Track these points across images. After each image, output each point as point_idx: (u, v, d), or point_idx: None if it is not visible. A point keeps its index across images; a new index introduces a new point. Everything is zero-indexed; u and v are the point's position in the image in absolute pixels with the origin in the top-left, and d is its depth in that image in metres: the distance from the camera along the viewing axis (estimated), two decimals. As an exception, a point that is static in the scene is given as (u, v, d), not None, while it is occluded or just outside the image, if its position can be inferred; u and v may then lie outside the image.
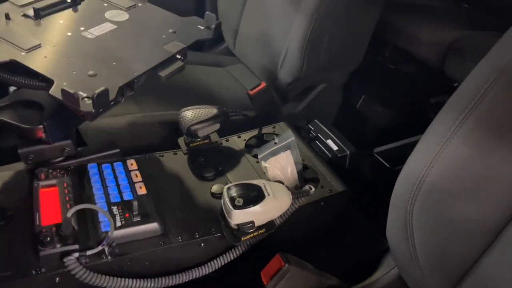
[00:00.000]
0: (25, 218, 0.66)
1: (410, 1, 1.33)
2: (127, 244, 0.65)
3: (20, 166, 0.76)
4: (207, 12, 0.84)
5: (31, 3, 0.76)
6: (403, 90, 1.33)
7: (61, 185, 0.72)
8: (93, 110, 0.59)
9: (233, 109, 0.91)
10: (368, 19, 1.06)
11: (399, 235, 0.61)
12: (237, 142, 0.91)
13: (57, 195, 0.70)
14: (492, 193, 0.50)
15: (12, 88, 0.84)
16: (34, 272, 0.59)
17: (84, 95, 0.60)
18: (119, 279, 0.63)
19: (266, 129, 0.94)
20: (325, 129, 0.96)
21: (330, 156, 0.92)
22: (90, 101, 0.59)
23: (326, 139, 0.94)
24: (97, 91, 0.58)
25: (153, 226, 0.67)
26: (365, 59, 1.18)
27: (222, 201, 0.68)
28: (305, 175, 0.83)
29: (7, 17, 0.72)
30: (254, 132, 0.93)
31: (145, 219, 0.67)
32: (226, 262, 0.71)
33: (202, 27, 0.83)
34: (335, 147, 0.92)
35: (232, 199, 0.66)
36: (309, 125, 0.99)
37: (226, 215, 0.67)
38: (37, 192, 0.69)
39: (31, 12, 0.74)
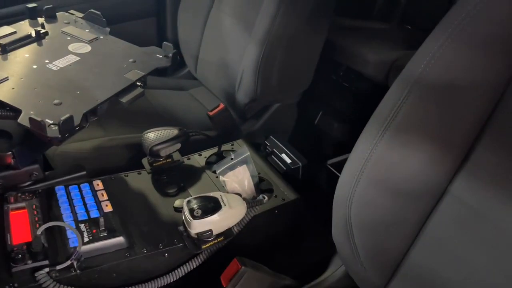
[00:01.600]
0: (-3, 239, 0.70)
1: (356, 25, 1.46)
2: (95, 257, 0.71)
3: (-10, 190, 0.80)
4: (164, 42, 0.92)
5: (-3, 39, 0.82)
6: (356, 105, 1.44)
7: (30, 207, 0.76)
8: (60, 136, 0.65)
9: (195, 129, 0.98)
10: (315, 42, 1.17)
11: (342, 235, 0.69)
12: (198, 160, 0.98)
13: (26, 217, 0.74)
14: (412, 191, 0.59)
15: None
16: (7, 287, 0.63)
17: (51, 122, 0.66)
18: (89, 290, 0.68)
19: (225, 147, 1.02)
20: (279, 144, 1.05)
21: (284, 168, 1.00)
22: (56, 128, 0.65)
23: (281, 153, 1.03)
24: (63, 118, 0.64)
25: (119, 240, 0.73)
26: (322, 78, 1.28)
27: (182, 213, 0.75)
28: (261, 186, 0.91)
29: (-26, 53, 0.77)
30: (214, 150, 1.00)
31: (111, 234, 0.73)
32: (189, 270, 0.77)
33: (161, 56, 0.91)
34: (288, 160, 1.01)
35: (191, 211, 0.73)
36: (266, 141, 1.07)
37: (186, 225, 0.73)
38: (7, 214, 0.74)
39: (-3, 48, 0.80)
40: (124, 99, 0.77)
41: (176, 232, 0.78)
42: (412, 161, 0.58)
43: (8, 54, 0.80)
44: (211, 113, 1.11)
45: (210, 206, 0.74)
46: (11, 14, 0.90)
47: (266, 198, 0.83)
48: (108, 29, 0.96)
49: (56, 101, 0.71)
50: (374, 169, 0.61)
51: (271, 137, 1.08)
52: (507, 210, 0.50)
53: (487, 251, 0.52)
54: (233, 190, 0.87)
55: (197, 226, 0.71)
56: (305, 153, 1.06)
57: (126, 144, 1.07)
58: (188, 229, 0.73)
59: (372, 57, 1.32)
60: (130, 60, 0.86)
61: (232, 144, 1.03)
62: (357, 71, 1.40)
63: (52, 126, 0.65)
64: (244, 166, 0.89)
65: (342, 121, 1.40)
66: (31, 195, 0.79)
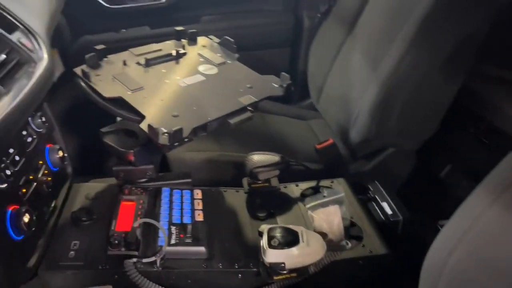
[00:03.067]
0: (105, 222, 0.81)
1: (503, 75, 1.30)
2: (176, 260, 0.76)
3: (113, 180, 0.94)
4: (282, 73, 0.96)
5: (144, 54, 0.96)
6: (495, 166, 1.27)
7: (138, 201, 0.87)
8: (168, 144, 0.73)
9: (302, 159, 0.99)
10: (446, 89, 1.07)
11: None
12: (294, 189, 0.98)
13: (133, 209, 0.84)
14: None
15: (118, 118, 1.04)
16: (100, 267, 0.73)
17: (164, 131, 0.74)
18: (165, 288, 0.73)
19: (324, 182, 1.00)
20: (383, 191, 0.99)
21: (383, 218, 0.94)
22: (167, 136, 0.73)
23: (382, 201, 0.96)
24: (174, 129, 0.72)
25: (200, 249, 0.77)
26: (455, 129, 1.16)
27: (261, 239, 0.76)
28: (351, 231, 0.87)
29: (124, 63, 0.92)
30: (312, 183, 1.00)
31: (195, 242, 0.78)
32: (259, 297, 0.77)
33: (276, 85, 0.95)
34: (389, 211, 0.94)
35: (270, 239, 0.73)
36: (369, 185, 1.02)
37: (262, 252, 0.74)
38: (119, 203, 0.85)
39: (143, 61, 0.94)
40: (232, 121, 0.82)
41: (254, 256, 0.79)
42: None
43: (149, 67, 0.94)
44: (318, 146, 1.11)
45: (288, 239, 0.73)
46: (163, 34, 1.05)
47: (350, 244, 0.79)
48: (237, 55, 1.04)
49: (174, 113, 0.79)
50: (477, 241, 0.54)
51: (376, 182, 1.03)
52: None
53: None
54: (320, 228, 0.85)
55: (271, 256, 0.72)
56: (415, 208, 0.97)
57: (234, 161, 1.13)
58: (263, 256, 0.73)
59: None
60: (248, 85, 0.92)
61: (332, 181, 1.00)
62: (501, 129, 1.23)
63: (164, 134, 0.73)
64: (337, 206, 0.86)
65: (474, 180, 1.25)
66: (142, 191, 0.90)
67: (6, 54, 0.76)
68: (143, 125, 0.76)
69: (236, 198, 0.95)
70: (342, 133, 1.26)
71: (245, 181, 0.99)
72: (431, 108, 1.11)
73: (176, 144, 0.76)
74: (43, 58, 0.84)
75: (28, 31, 0.87)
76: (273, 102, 1.61)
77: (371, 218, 0.91)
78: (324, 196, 0.85)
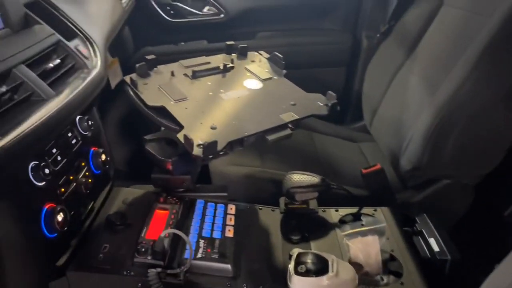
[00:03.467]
0: (137, 228, 0.81)
1: None
2: (201, 275, 0.75)
3: (152, 188, 0.95)
4: (328, 92, 0.92)
5: (193, 66, 0.98)
6: None
7: (172, 211, 0.87)
8: (202, 156, 0.72)
9: (346, 183, 0.94)
10: (510, 122, 0.97)
11: None
12: (333, 215, 0.93)
13: (165, 218, 0.85)
14: None
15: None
16: (125, 273, 0.73)
17: (200, 142, 0.74)
18: (185, 303, 0.72)
19: (366, 210, 0.94)
20: (431, 225, 0.90)
21: (429, 256, 0.85)
22: (201, 149, 0.72)
23: (429, 237, 0.88)
24: (208, 141, 0.71)
25: (226, 267, 0.75)
26: None
27: (289, 263, 0.72)
28: (390, 266, 0.80)
29: (172, 73, 0.94)
30: (353, 210, 0.94)
31: (221, 259, 0.76)
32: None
33: (322, 104, 0.91)
34: (436, 248, 0.85)
35: (297, 264, 0.69)
36: (416, 218, 0.94)
37: (288, 278, 0.70)
38: (153, 211, 0.86)
39: (190, 73, 0.95)
40: (270, 137, 0.80)
41: (282, 282, 0.75)
42: None
43: (196, 79, 0.95)
44: (364, 171, 1.05)
45: (317, 267, 0.69)
46: (220, 48, 1.07)
47: (385, 281, 0.72)
48: (284, 71, 1.02)
49: (212, 126, 0.79)
50: None
51: (424, 215, 0.94)
52: None
53: None
54: (355, 258, 0.79)
55: (296, 283, 0.67)
56: (468, 248, 0.88)
57: (274, 179, 1.10)
58: (289, 282, 0.69)
59: None
60: (291, 102, 0.89)
61: (375, 210, 0.94)
62: None
63: (199, 146, 0.73)
64: (376, 236, 0.80)
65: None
66: (177, 200, 0.90)
67: (62, 59, 0.81)
68: (180, 135, 0.76)
69: (270, 217, 0.92)
70: (393, 159, 1.18)
71: (282, 200, 0.96)
72: (492, 140, 1.01)
73: (211, 156, 0.75)
74: (97, 65, 0.88)
75: (87, 39, 0.92)
76: (324, 122, 1.57)
77: (414, 254, 0.84)
78: (363, 225, 0.80)
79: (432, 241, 0.87)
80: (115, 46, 1.38)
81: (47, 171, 0.67)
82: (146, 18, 1.59)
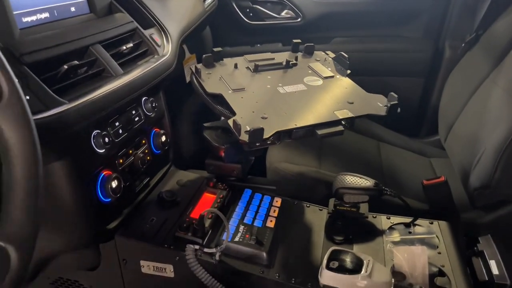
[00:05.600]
0: (184, 207, 0.86)
1: None
2: (235, 259, 0.76)
3: (205, 173, 0.99)
4: (391, 93, 0.88)
5: (257, 60, 1.00)
6: None
7: (219, 195, 0.90)
8: (247, 141, 0.74)
9: (406, 195, 0.90)
10: None
11: None
12: (383, 222, 0.89)
13: (212, 201, 0.88)
14: None
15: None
16: (165, 245, 0.77)
17: (248, 129, 0.75)
18: (216, 282, 0.73)
19: (422, 222, 0.87)
20: (494, 247, 0.81)
21: (486, 278, 0.77)
22: (247, 134, 0.74)
23: (490, 259, 0.79)
24: (254, 128, 0.73)
25: (261, 254, 0.76)
26: None
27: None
28: (437, 281, 0.73)
29: (236, 66, 0.98)
30: (407, 220, 0.88)
31: (257, 246, 0.76)
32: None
33: (381, 105, 0.88)
34: (496, 271, 0.77)
35: (330, 260, 0.67)
36: (479, 238, 0.86)
37: (319, 273, 0.68)
38: (201, 193, 0.89)
39: (252, 66, 0.98)
40: (320, 132, 0.79)
41: (315, 278, 0.73)
42: None
43: (257, 73, 0.97)
44: (426, 182, 0.98)
45: (351, 266, 0.66)
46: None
47: (426, 291, 0.67)
48: (348, 71, 1.01)
49: (264, 115, 0.80)
50: None
51: (489, 235, 0.85)
52: None
53: None
54: (399, 268, 0.74)
55: (326, 278, 0.65)
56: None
57: (327, 181, 1.07)
58: (319, 276, 0.67)
59: None
60: (349, 101, 0.88)
61: (431, 222, 0.87)
62: None
63: (246, 132, 0.75)
64: (424, 247, 0.74)
65: None
66: (226, 187, 0.92)
67: (136, 44, 0.89)
68: (230, 121, 0.78)
69: (316, 216, 0.91)
70: (463, 175, 1.09)
71: (331, 201, 0.93)
72: None
73: (258, 144, 0.76)
74: (167, 53, 0.95)
75: (162, 29, 0.99)
76: (396, 133, 1.50)
77: (468, 274, 0.76)
78: (410, 232, 0.75)
79: (492, 263, 0.79)
80: (195, 44, 1.47)
81: (107, 140, 0.74)
82: (226, 19, 1.67)
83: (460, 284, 0.73)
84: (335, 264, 0.66)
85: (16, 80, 0.44)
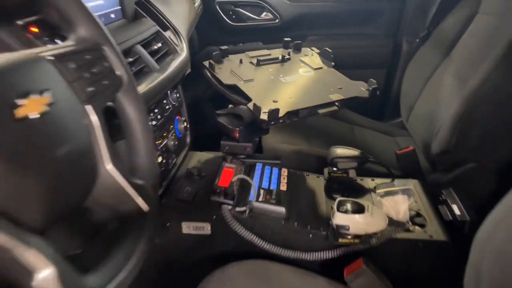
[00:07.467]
0: (210, 179, 1.03)
1: None
2: (261, 214, 0.94)
3: (220, 153, 1.16)
4: (370, 79, 1.10)
5: (257, 56, 1.19)
6: None
7: (237, 169, 1.07)
8: (267, 120, 0.92)
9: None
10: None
11: (470, 284, 0.67)
12: (369, 183, 1.11)
13: (232, 173, 1.05)
14: None
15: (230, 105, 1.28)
16: (204, 207, 0.94)
17: (265, 110, 0.94)
18: (249, 232, 0.91)
19: (399, 181, 1.10)
20: (455, 196, 1.05)
21: (451, 218, 1.01)
22: (266, 114, 0.93)
23: (452, 204, 1.03)
24: (272, 108, 0.92)
25: (281, 209, 0.95)
26: None
27: (332, 207, 0.90)
28: (415, 220, 0.96)
29: (241, 61, 1.16)
30: (387, 180, 1.11)
31: (277, 203, 0.95)
32: (324, 258, 0.91)
33: (364, 89, 1.10)
34: (458, 212, 1.00)
35: (339, 205, 0.88)
36: (443, 190, 1.09)
37: (331, 216, 0.88)
38: (222, 168, 1.07)
39: (255, 61, 1.17)
40: (320, 111, 1.00)
41: (325, 224, 0.93)
42: None
43: (259, 66, 1.16)
44: (398, 152, 1.21)
45: (356, 208, 0.87)
46: (273, 48, 1.28)
47: (410, 223, 0.89)
48: (333, 63, 1.22)
49: (274, 100, 1.00)
50: None
51: (450, 189, 1.09)
52: None
53: None
54: (387, 213, 0.96)
55: (338, 218, 0.86)
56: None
57: (318, 155, 1.29)
58: (332, 219, 0.88)
59: None
60: (338, 86, 1.09)
61: (406, 181, 1.10)
62: None
63: (264, 112, 0.93)
64: (405, 196, 0.96)
65: None
66: (240, 163, 1.10)
67: (161, 44, 1.05)
68: (250, 105, 0.97)
69: (316, 181, 1.11)
70: (424, 146, 1.34)
71: (326, 170, 1.14)
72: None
73: (273, 123, 0.95)
74: (183, 51, 1.12)
75: (175, 31, 1.16)
76: (364, 117, 1.74)
77: (438, 215, 0.99)
78: (394, 185, 0.97)
79: (454, 207, 1.03)
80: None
81: (151, 124, 0.90)
82: (210, 21, 1.83)
83: (433, 221, 0.95)
84: (344, 208, 0.87)
85: (130, 71, 0.60)
